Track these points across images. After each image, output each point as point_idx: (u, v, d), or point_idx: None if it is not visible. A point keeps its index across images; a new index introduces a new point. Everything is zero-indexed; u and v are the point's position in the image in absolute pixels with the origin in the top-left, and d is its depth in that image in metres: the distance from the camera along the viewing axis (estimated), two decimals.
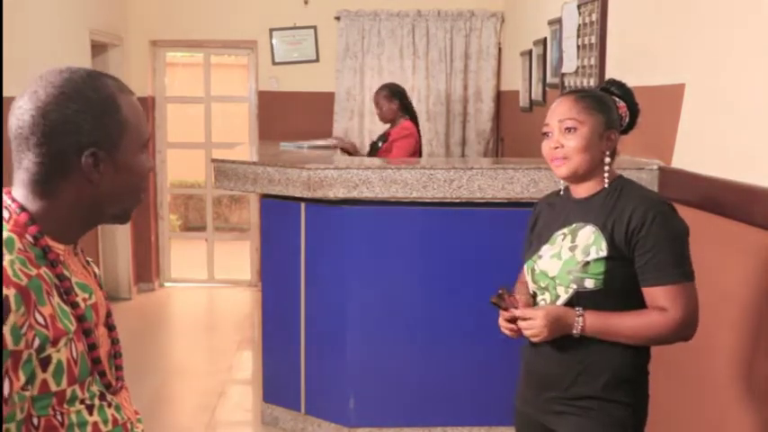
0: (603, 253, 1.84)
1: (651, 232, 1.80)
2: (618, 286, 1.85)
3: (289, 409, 3.61)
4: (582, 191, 1.95)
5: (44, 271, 1.14)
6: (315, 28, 6.20)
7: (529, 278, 2.00)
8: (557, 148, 1.89)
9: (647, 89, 3.08)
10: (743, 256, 2.30)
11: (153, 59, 6.32)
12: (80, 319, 1.18)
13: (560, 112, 1.90)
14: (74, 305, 1.17)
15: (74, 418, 1.16)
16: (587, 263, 1.85)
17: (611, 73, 3.54)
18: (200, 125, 6.52)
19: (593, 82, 3.68)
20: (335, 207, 3.28)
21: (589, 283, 1.85)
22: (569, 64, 4.05)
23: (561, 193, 2.05)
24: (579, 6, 3.88)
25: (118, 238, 6.02)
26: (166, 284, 6.59)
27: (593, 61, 3.69)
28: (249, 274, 6.61)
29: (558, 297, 1.91)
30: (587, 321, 1.83)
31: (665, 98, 2.88)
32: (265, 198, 3.60)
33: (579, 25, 3.90)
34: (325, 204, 3.29)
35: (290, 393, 3.59)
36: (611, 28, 3.54)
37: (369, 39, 6.17)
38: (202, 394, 4.23)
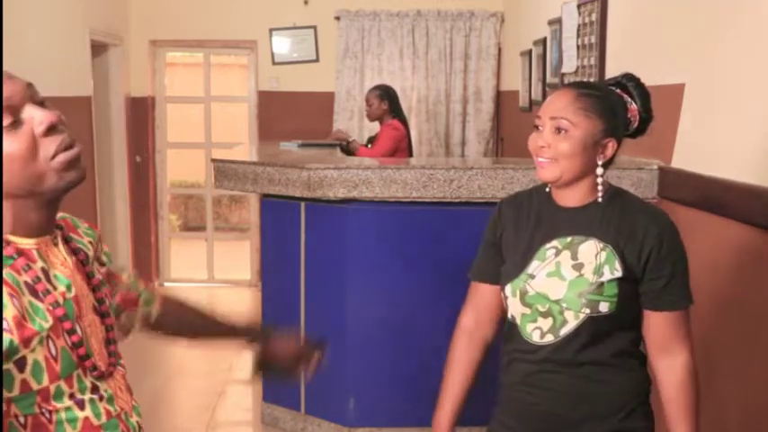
0: (618, 273, 1.65)
1: (669, 254, 1.67)
2: (629, 309, 1.69)
3: (289, 409, 3.61)
4: (570, 198, 1.73)
5: (6, 272, 1.11)
6: (315, 28, 6.20)
7: (515, 301, 1.74)
8: (544, 147, 1.68)
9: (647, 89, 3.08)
10: (743, 256, 2.30)
11: (153, 59, 6.32)
12: (54, 306, 1.15)
13: (555, 109, 1.68)
14: (44, 295, 1.14)
15: (63, 414, 1.15)
16: (601, 284, 1.65)
17: (611, 73, 3.54)
18: (200, 125, 6.52)
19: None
20: (335, 207, 3.28)
21: (604, 307, 1.65)
22: (569, 64, 4.05)
23: (534, 194, 1.82)
24: (579, 6, 3.88)
25: (118, 238, 6.01)
26: (166, 284, 6.59)
27: (593, 61, 3.69)
28: (249, 274, 6.61)
29: (564, 323, 1.69)
30: None
31: (665, 98, 2.88)
32: (265, 198, 3.60)
33: (579, 25, 3.90)
34: (324, 204, 3.29)
35: (289, 393, 3.59)
36: (611, 28, 3.54)
37: (369, 39, 6.17)
38: (202, 394, 4.23)
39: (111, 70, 5.85)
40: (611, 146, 1.70)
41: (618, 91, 1.75)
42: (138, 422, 1.31)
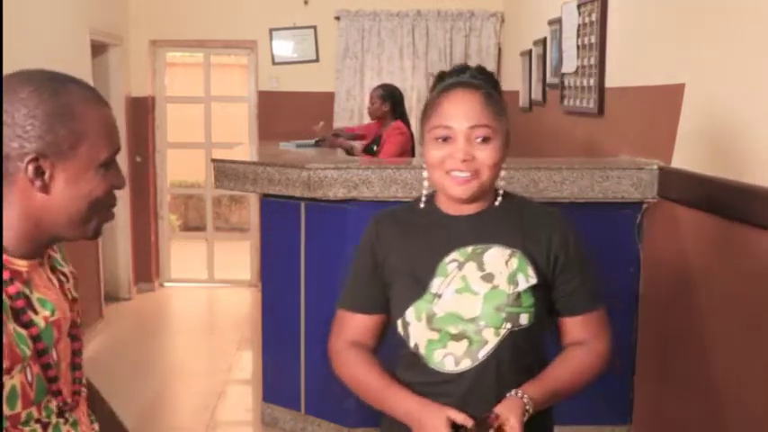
0: (534, 280, 1.51)
1: (577, 255, 1.56)
2: (542, 320, 1.55)
3: (289, 409, 3.61)
4: (465, 207, 1.56)
5: None
6: (315, 28, 6.20)
7: (419, 326, 1.52)
8: (465, 160, 1.48)
9: (647, 89, 3.09)
10: (742, 256, 2.30)
11: (153, 59, 6.32)
12: (35, 340, 1.13)
13: (471, 116, 1.49)
14: (28, 326, 1.12)
15: None
16: (519, 294, 1.49)
17: (611, 73, 3.55)
18: (200, 125, 6.52)
19: (593, 82, 3.68)
20: (335, 207, 3.27)
21: (524, 319, 1.50)
22: (569, 64, 4.05)
23: (414, 207, 1.63)
24: (579, 6, 3.88)
25: (118, 238, 6.02)
26: (166, 284, 6.59)
27: (592, 61, 3.69)
28: (249, 274, 6.61)
29: (483, 344, 1.50)
30: (532, 396, 1.47)
31: (665, 98, 2.88)
32: (265, 198, 3.60)
33: (579, 25, 3.90)
34: (324, 204, 3.29)
35: (289, 393, 3.59)
36: (611, 28, 3.54)
37: (369, 39, 6.17)
38: (202, 394, 4.23)
39: (111, 70, 5.85)
40: (509, 142, 1.57)
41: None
42: None
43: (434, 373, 1.52)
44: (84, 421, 1.28)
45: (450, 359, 1.51)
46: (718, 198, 2.42)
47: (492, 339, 1.49)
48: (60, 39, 4.76)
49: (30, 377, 1.12)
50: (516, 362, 1.52)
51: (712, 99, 2.54)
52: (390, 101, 4.96)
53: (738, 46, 2.35)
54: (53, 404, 1.18)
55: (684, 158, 2.75)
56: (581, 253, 1.57)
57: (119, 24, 5.95)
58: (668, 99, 2.82)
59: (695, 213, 2.60)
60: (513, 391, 1.47)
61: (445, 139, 1.50)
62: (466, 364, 1.50)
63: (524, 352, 1.53)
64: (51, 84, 1.13)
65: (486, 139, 1.49)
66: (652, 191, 2.96)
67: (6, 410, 1.10)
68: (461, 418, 1.45)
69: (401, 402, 1.52)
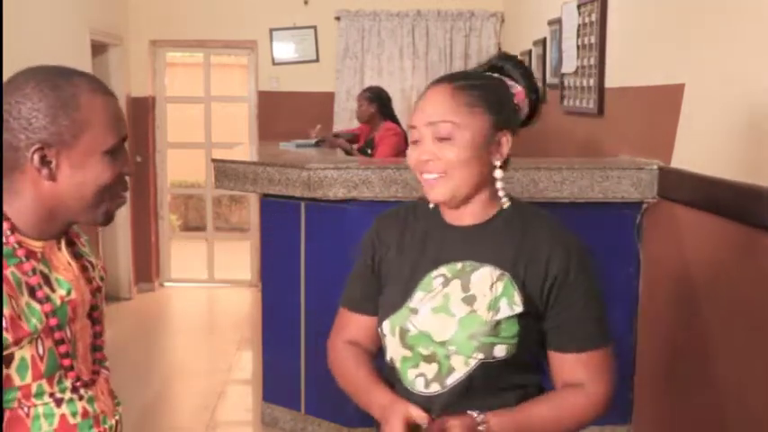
0: (519, 308, 1.36)
1: (578, 283, 1.38)
2: (530, 350, 1.40)
3: (289, 408, 3.61)
4: (464, 216, 1.44)
5: (11, 271, 1.16)
6: (315, 28, 6.20)
7: (393, 341, 1.44)
8: (429, 160, 1.38)
9: (647, 89, 3.09)
10: (742, 256, 2.30)
11: (153, 59, 6.32)
12: (48, 316, 1.19)
13: (431, 112, 1.38)
14: (41, 302, 1.19)
15: (40, 410, 1.19)
16: (497, 323, 1.35)
17: (611, 73, 3.55)
18: (200, 125, 6.52)
19: (592, 82, 3.68)
20: (335, 207, 3.28)
21: (500, 351, 1.35)
22: (569, 64, 4.05)
23: (419, 209, 1.52)
24: (579, 6, 3.88)
25: (118, 238, 6.02)
26: (166, 284, 6.59)
27: (592, 61, 3.69)
28: (249, 274, 6.61)
29: (451, 371, 1.38)
30: (492, 426, 1.34)
31: (665, 98, 2.88)
32: (265, 198, 3.60)
33: (579, 25, 3.90)
34: (324, 204, 3.29)
35: (289, 393, 3.58)
36: (610, 28, 3.54)
37: (369, 39, 6.17)
38: (202, 394, 4.23)
39: (111, 70, 5.85)
40: (505, 140, 1.43)
41: (495, 75, 1.49)
42: (116, 421, 1.34)
43: (407, 391, 1.44)
44: (103, 399, 1.31)
45: (421, 380, 1.42)
46: (717, 198, 2.42)
47: (460, 368, 1.37)
48: (60, 39, 4.76)
49: (41, 351, 1.18)
50: (490, 392, 1.39)
51: (712, 99, 2.54)
52: (377, 102, 4.97)
53: (738, 46, 2.35)
54: (67, 380, 1.23)
55: (684, 158, 2.75)
56: (585, 283, 1.40)
57: (119, 24, 5.95)
58: (668, 99, 2.82)
59: (695, 213, 2.60)
60: (475, 412, 1.35)
61: (416, 141, 1.41)
62: (435, 389, 1.41)
63: (499, 384, 1.40)
64: (54, 78, 1.20)
65: (448, 137, 1.36)
66: (652, 191, 2.96)
67: (17, 381, 1.16)
68: (419, 416, 1.36)
69: (377, 398, 1.48)
